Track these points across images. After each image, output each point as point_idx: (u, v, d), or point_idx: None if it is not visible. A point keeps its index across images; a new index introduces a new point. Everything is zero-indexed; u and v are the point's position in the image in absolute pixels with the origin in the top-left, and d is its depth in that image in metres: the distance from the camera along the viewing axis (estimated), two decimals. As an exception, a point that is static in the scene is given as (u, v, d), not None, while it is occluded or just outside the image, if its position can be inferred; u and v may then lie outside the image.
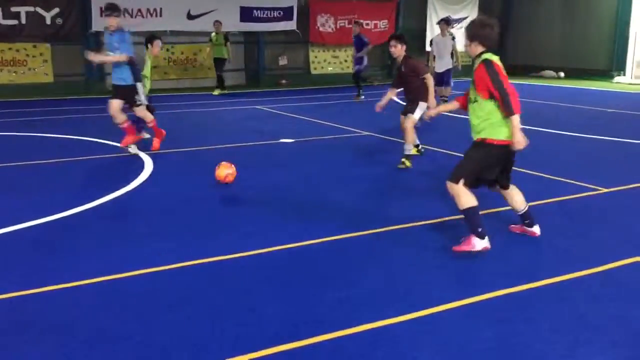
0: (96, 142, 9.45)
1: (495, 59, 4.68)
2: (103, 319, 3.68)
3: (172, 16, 17.06)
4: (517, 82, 19.19)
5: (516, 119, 4.57)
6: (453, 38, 13.10)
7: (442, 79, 12.91)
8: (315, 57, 19.96)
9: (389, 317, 3.67)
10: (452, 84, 13.27)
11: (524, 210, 5.06)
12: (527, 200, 5.88)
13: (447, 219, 5.60)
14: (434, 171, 7.58)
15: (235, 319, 3.69)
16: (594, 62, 20.04)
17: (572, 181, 6.92)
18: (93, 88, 16.39)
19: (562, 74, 20.68)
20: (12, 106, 13.84)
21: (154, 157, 8.26)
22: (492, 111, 4.65)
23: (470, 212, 4.70)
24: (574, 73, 20.08)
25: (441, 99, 12.63)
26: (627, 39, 19.26)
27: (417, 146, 8.27)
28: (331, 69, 20.22)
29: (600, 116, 12.39)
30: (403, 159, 7.77)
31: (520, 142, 4.60)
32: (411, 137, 7.92)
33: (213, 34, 16.30)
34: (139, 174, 7.29)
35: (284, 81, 18.99)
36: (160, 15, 16.93)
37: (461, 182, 4.70)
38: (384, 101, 8.02)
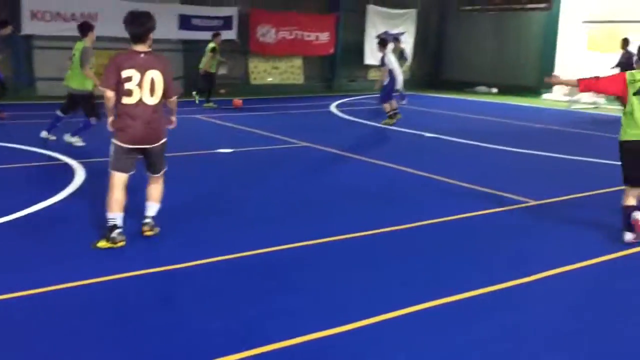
0: (24, 149, 9.07)
1: None
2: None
3: (110, 22, 16.62)
4: (452, 97, 19.76)
5: None
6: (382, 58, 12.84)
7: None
8: (255, 67, 19.90)
9: (336, 326, 3.68)
10: (387, 101, 12.95)
11: None
12: (458, 212, 6.05)
13: (360, 234, 5.67)
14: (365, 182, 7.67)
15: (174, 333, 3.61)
16: (524, 79, 20.83)
17: (504, 193, 7.14)
18: (22, 94, 15.74)
19: (494, 90, 21.38)
20: None
21: (84, 165, 7.99)
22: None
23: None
24: (506, 89, 20.80)
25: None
26: (554, 58, 20.14)
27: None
28: (271, 79, 20.19)
29: (529, 131, 12.87)
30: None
31: None
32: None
33: (212, 44, 15.14)
34: (69, 184, 7.03)
35: (222, 90, 18.80)
36: (96, 20, 16.48)
37: None
38: None
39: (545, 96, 19.93)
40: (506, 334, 3.74)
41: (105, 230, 4.96)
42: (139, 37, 4.91)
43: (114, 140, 4.98)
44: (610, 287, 4.61)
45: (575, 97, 17.90)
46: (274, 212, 6.28)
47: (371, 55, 21.74)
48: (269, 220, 5.95)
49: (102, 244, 4.90)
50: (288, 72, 20.38)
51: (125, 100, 4.87)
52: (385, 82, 12.82)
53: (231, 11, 18.56)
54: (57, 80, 16.23)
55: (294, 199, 6.83)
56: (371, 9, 21.32)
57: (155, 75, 4.94)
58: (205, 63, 14.99)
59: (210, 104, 15.24)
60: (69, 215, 5.88)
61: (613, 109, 16.80)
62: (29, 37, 16.08)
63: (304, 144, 10.29)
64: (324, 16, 20.55)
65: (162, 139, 5.16)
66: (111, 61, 4.91)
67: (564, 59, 19.65)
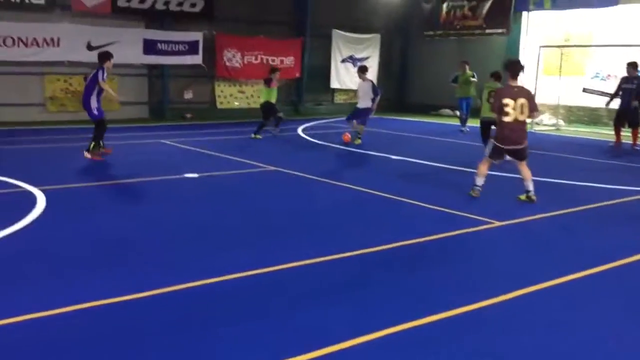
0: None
1: None
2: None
3: (70, 46, 16.47)
4: (416, 119, 20.05)
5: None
6: (372, 84, 13.98)
7: (357, 116, 13.92)
8: (222, 91, 19.89)
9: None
10: (365, 124, 14.04)
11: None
12: (427, 233, 6.10)
13: (343, 255, 5.66)
14: (345, 204, 7.69)
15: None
16: (487, 101, 21.23)
17: (471, 215, 7.22)
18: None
19: (458, 112, 21.73)
20: None
21: (48, 193, 7.81)
22: None
23: None
24: (470, 111, 21.17)
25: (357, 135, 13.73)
26: (516, 80, 20.64)
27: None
28: (237, 103, 20.20)
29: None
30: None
31: None
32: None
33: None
34: (29, 213, 6.85)
35: (189, 115, 18.74)
36: (58, 45, 16.31)
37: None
38: None
39: (507, 118, 20.35)
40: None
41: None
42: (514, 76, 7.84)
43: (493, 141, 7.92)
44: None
45: (537, 120, 18.31)
46: (243, 237, 6.21)
47: (337, 79, 21.99)
48: (237, 246, 5.88)
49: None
50: (254, 96, 20.41)
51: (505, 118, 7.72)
52: (370, 106, 13.74)
53: (197, 36, 18.56)
54: (13, 106, 16.04)
55: (265, 223, 6.77)
56: (336, 33, 21.59)
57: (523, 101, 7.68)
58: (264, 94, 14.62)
59: (258, 136, 14.25)
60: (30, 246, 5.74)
61: (573, 131, 17.24)
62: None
63: (272, 167, 10.27)
64: (289, 41, 20.70)
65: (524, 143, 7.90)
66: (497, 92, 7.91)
67: (525, 82, 20.11)
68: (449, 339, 3.96)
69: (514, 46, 20.46)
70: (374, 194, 8.32)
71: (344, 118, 17.34)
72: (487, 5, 20.37)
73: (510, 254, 5.94)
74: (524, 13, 19.97)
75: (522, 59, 20.18)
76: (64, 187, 8.30)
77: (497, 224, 6.90)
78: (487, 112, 11.64)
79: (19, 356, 3.60)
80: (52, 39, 16.17)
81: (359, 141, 13.55)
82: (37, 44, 16.01)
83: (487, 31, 20.70)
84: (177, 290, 4.66)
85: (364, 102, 13.76)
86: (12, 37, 15.68)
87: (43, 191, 7.85)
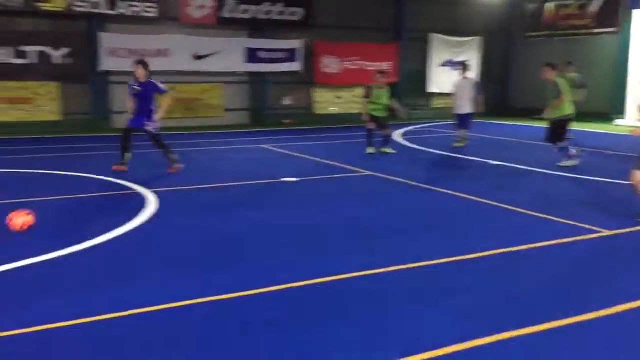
0: (98, 179, 9.52)
1: None
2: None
3: (178, 57, 17.38)
4: (518, 124, 19.41)
5: None
6: (476, 83, 13.68)
7: (460, 122, 13.64)
8: (320, 97, 20.22)
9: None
10: (470, 127, 13.80)
11: None
12: (535, 241, 5.92)
13: (431, 262, 5.61)
14: (437, 211, 7.62)
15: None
16: (594, 105, 20.20)
17: (576, 223, 6.93)
18: (99, 126, 16.59)
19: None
20: (19, 143, 13.98)
21: (159, 195, 8.30)
22: None
23: None
24: (576, 115, 20.25)
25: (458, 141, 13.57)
26: (626, 83, 19.51)
27: None
28: (335, 109, 20.46)
29: (600, 158, 12.44)
30: None
31: None
32: None
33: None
34: (142, 213, 7.31)
35: (288, 121, 19.20)
36: (167, 56, 17.26)
37: None
38: None
39: (617, 122, 19.28)
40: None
41: None
42: None
43: None
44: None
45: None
46: (348, 239, 6.31)
47: (434, 83, 21.75)
48: (345, 248, 5.99)
49: None
50: (351, 101, 20.59)
51: None
52: (471, 111, 13.50)
53: (297, 44, 19.00)
54: (127, 113, 17.09)
55: (365, 226, 6.84)
56: (433, 37, 21.37)
57: None
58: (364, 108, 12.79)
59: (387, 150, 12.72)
60: (144, 241, 6.13)
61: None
62: (106, 73, 16.97)
63: (368, 172, 10.33)
64: (386, 46, 20.72)
65: None
66: None
67: (636, 84, 18.98)
68: (551, 351, 3.84)
69: (625, 46, 19.36)
70: (477, 201, 8.16)
71: (442, 123, 17.14)
72: (599, 3, 19.39)
73: (620, 265, 5.64)
74: (636, 11, 18.85)
75: (633, 59, 19.12)
76: (172, 189, 8.78)
77: (607, 233, 6.58)
78: (568, 110, 11.09)
79: (119, 349, 3.88)
80: (160, 50, 17.13)
81: (459, 144, 13.38)
82: (148, 55, 17.02)
83: (595, 31, 19.72)
84: (285, 288, 4.83)
85: (465, 105, 13.48)
86: (125, 49, 16.77)
87: (155, 193, 8.35)
